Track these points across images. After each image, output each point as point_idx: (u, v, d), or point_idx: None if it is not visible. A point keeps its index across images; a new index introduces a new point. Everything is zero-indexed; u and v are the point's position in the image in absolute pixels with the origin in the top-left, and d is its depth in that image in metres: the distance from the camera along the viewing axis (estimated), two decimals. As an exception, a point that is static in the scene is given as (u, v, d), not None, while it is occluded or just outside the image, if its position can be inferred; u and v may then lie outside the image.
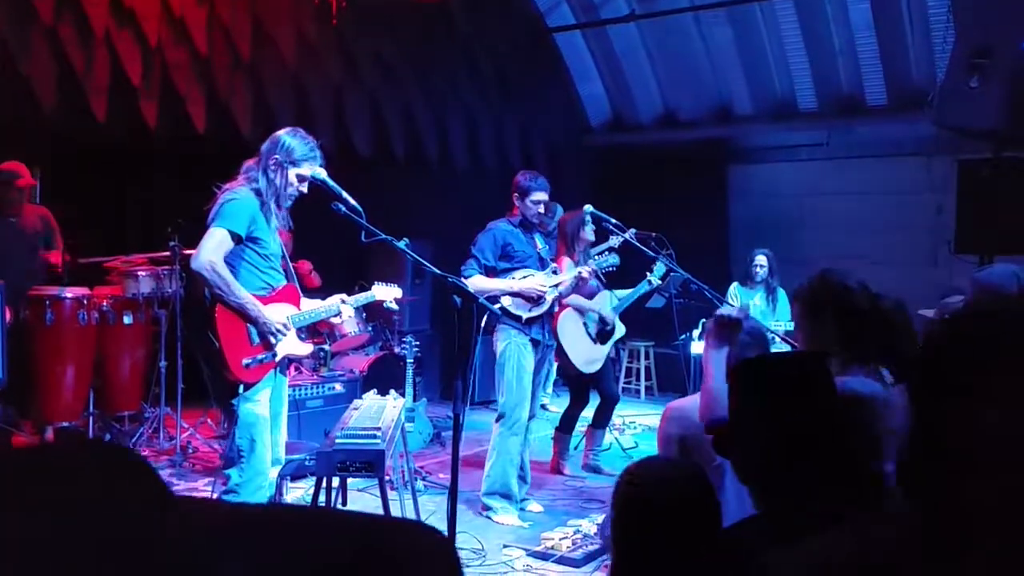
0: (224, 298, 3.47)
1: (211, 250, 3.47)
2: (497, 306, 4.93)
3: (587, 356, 5.88)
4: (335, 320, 4.08)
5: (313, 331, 3.95)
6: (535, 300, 4.96)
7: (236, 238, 3.53)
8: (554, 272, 5.14)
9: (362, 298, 4.19)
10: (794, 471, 1.67)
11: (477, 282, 4.86)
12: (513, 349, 4.97)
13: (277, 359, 3.66)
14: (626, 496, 1.89)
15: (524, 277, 4.98)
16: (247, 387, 3.55)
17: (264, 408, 3.62)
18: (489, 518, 4.90)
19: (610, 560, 1.90)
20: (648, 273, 5.80)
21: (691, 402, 2.88)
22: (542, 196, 5.08)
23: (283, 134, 3.69)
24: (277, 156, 3.62)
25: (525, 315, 4.95)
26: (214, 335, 3.49)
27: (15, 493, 0.63)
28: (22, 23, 6.06)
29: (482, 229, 5.15)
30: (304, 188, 3.69)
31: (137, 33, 6.59)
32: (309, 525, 0.78)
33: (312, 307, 3.90)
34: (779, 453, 1.68)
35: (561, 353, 5.86)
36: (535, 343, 5.01)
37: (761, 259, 6.92)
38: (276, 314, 3.63)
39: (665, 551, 1.81)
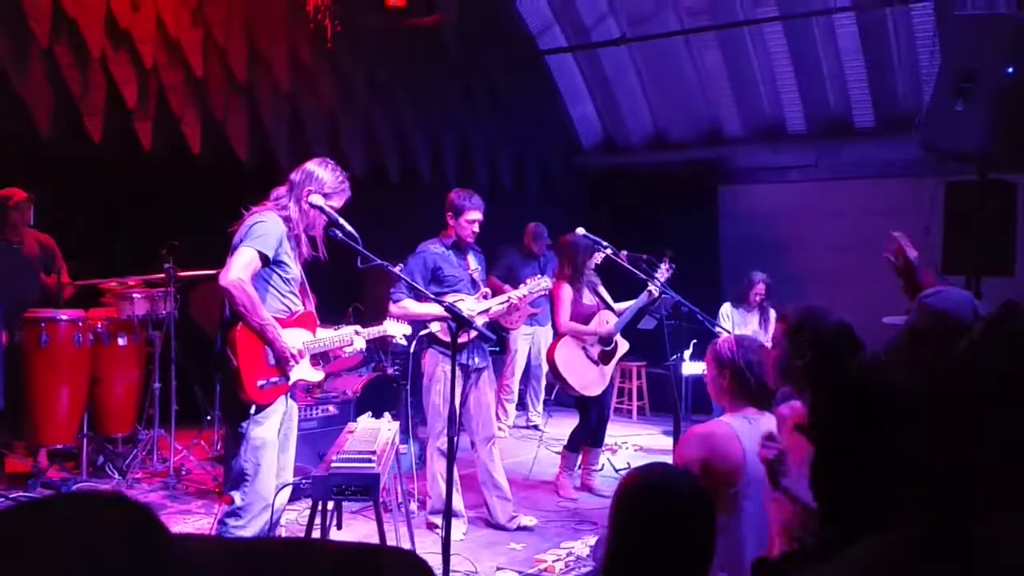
0: (247, 317, 3.51)
1: (240, 268, 3.51)
2: (426, 331, 4.98)
3: (587, 380, 5.89)
4: (348, 349, 4.11)
5: (325, 357, 3.98)
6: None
7: (264, 259, 3.58)
8: (484, 296, 5.12)
9: (375, 331, 4.29)
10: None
11: (407, 306, 4.90)
12: (440, 374, 4.98)
13: (290, 383, 3.70)
14: (623, 495, 1.92)
15: (455, 302, 4.93)
16: (259, 409, 3.58)
17: (273, 432, 3.64)
18: (438, 534, 4.89)
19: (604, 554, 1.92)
20: (649, 281, 5.73)
21: (714, 427, 2.91)
22: (476, 215, 5.02)
23: (313, 166, 3.75)
24: (311, 188, 3.68)
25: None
26: (233, 353, 3.52)
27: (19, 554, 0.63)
28: (19, 45, 6.10)
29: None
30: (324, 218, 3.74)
31: (133, 55, 6.64)
32: (292, 553, 0.82)
33: (326, 334, 3.95)
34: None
35: (560, 380, 5.89)
36: (463, 368, 4.98)
37: (761, 287, 6.92)
38: (292, 338, 3.68)
39: (655, 557, 1.83)
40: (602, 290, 6.08)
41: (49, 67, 6.27)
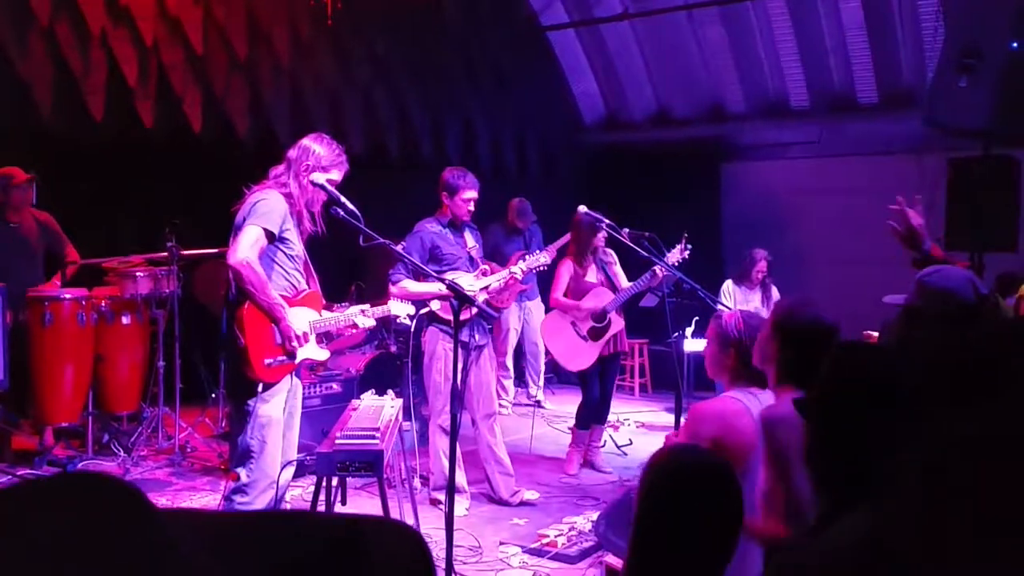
0: (255, 296, 3.52)
1: (248, 247, 3.52)
2: (426, 310, 5.00)
3: (571, 353, 5.93)
4: (354, 329, 4.13)
5: (329, 336, 4.00)
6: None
7: (270, 236, 3.59)
8: (484, 274, 5.14)
9: (380, 311, 4.29)
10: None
11: (406, 286, 4.93)
12: (441, 352, 5.01)
13: (296, 361, 3.71)
14: (654, 477, 1.91)
15: (452, 280, 4.93)
16: (266, 387, 3.60)
17: (278, 410, 3.66)
18: (441, 510, 4.93)
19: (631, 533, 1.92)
20: (651, 258, 5.69)
21: (725, 404, 2.90)
22: (472, 194, 5.03)
23: (311, 141, 3.75)
24: (308, 163, 3.69)
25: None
26: (241, 332, 3.53)
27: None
28: (20, 23, 6.08)
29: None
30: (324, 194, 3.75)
31: (133, 33, 6.62)
32: (282, 526, 0.83)
33: (332, 315, 3.96)
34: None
35: (547, 351, 5.94)
36: (464, 346, 4.99)
37: (763, 264, 6.94)
38: (299, 317, 3.69)
39: (682, 539, 1.84)
40: (617, 269, 6.06)
41: (50, 45, 6.26)
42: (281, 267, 3.70)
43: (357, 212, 3.65)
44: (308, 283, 3.86)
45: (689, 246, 5.74)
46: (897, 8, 8.11)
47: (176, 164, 6.82)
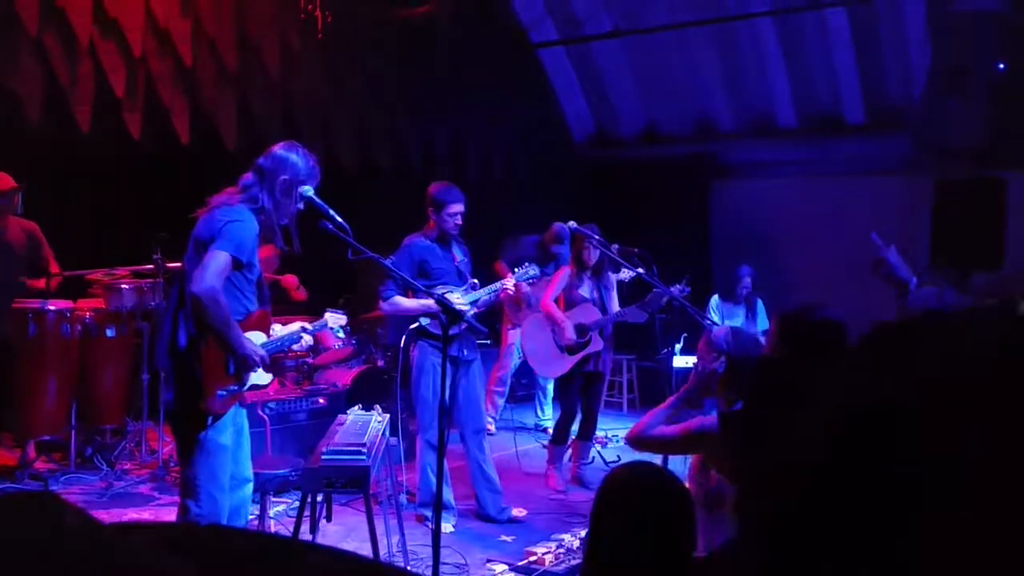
0: (215, 326, 3.30)
1: (215, 275, 3.27)
2: (415, 325, 4.98)
3: (546, 361, 6.00)
4: (294, 348, 4.02)
5: (275, 360, 3.87)
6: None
7: (237, 264, 3.37)
8: (473, 287, 5.14)
9: (319, 324, 4.16)
10: None
11: (398, 302, 4.93)
12: (430, 368, 4.99)
13: (245, 389, 3.54)
14: (607, 495, 1.94)
15: (442, 294, 4.91)
16: (216, 418, 3.40)
17: (228, 437, 3.47)
18: (428, 527, 4.89)
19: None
20: (637, 274, 5.75)
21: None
22: (458, 208, 5.03)
23: (285, 151, 3.55)
24: (285, 176, 3.50)
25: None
26: (199, 362, 3.35)
27: None
28: (7, 34, 6.05)
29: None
30: (301, 205, 3.59)
31: (121, 44, 6.58)
32: (264, 556, 0.79)
33: (279, 334, 3.77)
34: None
35: (524, 353, 5.98)
36: (452, 360, 4.96)
37: (747, 281, 7.03)
38: (253, 343, 3.50)
39: (638, 555, 1.85)
40: (614, 295, 6.08)
41: (38, 56, 6.22)
42: (239, 291, 3.47)
43: (346, 226, 3.59)
44: (259, 302, 3.62)
45: (688, 288, 5.84)
46: (885, 27, 8.18)
47: (163, 176, 6.77)
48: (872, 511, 0.80)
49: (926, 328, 0.96)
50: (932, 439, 0.76)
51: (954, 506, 0.74)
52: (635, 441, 3.00)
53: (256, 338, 3.55)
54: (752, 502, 1.64)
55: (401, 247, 5.09)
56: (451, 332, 4.41)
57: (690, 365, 6.00)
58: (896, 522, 0.77)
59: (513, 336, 7.62)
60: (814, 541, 0.91)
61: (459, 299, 4.92)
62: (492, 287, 5.19)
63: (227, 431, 3.46)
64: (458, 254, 5.17)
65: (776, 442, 1.21)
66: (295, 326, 3.91)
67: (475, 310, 5.05)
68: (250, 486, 3.69)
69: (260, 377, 3.58)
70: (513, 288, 5.25)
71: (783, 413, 1.25)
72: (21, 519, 0.65)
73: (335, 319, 4.28)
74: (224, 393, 3.41)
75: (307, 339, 3.96)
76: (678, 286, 5.81)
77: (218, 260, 3.30)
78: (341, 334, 4.63)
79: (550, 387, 7.86)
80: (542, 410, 7.90)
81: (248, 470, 3.69)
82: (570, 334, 5.87)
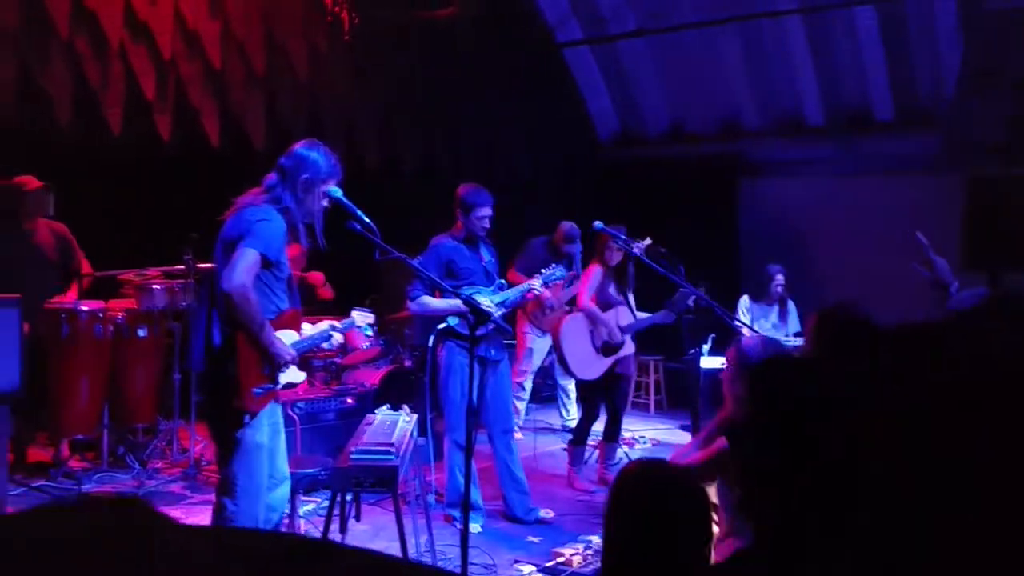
0: (246, 324, 3.36)
1: (244, 272, 3.32)
2: (443, 325, 4.97)
3: (585, 363, 5.94)
4: (324, 346, 4.04)
5: (305, 358, 3.90)
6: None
7: (266, 263, 3.42)
8: (500, 287, 5.14)
9: (347, 323, 4.20)
10: None
11: (427, 302, 4.93)
12: (458, 368, 4.99)
13: (279, 387, 3.58)
14: (619, 493, 1.93)
15: (471, 296, 4.90)
16: (252, 416, 3.45)
17: (264, 435, 3.51)
18: (456, 527, 4.91)
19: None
20: (666, 274, 5.78)
21: None
22: (487, 211, 5.03)
23: (306, 150, 3.59)
24: (307, 175, 3.53)
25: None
26: (233, 361, 3.39)
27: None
28: (40, 37, 6.14)
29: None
30: (326, 203, 3.63)
31: (152, 47, 6.66)
32: (300, 559, 0.80)
33: (310, 333, 3.81)
34: None
35: (559, 354, 5.92)
36: (480, 361, 4.94)
37: (780, 278, 6.89)
38: (284, 341, 3.54)
39: (654, 554, 1.83)
40: (631, 295, 6.10)
41: (69, 59, 6.30)
42: (270, 289, 3.51)
43: (373, 226, 3.61)
44: (289, 301, 3.67)
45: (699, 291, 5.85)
46: (914, 25, 8.09)
47: (193, 177, 6.84)
48: (876, 511, 0.80)
49: (952, 330, 0.95)
50: (943, 441, 0.76)
51: (962, 508, 0.73)
52: None
53: (288, 337, 3.60)
54: (757, 503, 1.63)
55: (429, 247, 5.10)
56: (479, 332, 4.43)
57: (718, 366, 5.98)
58: (898, 522, 0.76)
59: (530, 340, 7.59)
60: (816, 540, 0.91)
61: (488, 300, 4.92)
62: (520, 288, 5.20)
63: (263, 429, 3.50)
64: (485, 255, 5.18)
65: (783, 443, 1.20)
66: (324, 325, 3.95)
67: (503, 311, 5.06)
68: (287, 484, 3.73)
69: (294, 375, 3.64)
70: (541, 289, 5.26)
71: (794, 414, 1.24)
72: (111, 520, 0.66)
73: (363, 317, 4.32)
74: (259, 391, 3.45)
75: (337, 338, 4.00)
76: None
77: (247, 258, 3.35)
78: (369, 332, 4.65)
79: (571, 387, 7.85)
80: (566, 410, 7.88)
81: (285, 468, 3.73)
82: (616, 334, 5.92)
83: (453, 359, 5.04)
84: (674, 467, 2.10)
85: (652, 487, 1.93)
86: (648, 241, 5.61)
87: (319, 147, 3.64)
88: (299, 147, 3.62)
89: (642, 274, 5.91)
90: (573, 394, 7.85)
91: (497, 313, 4.86)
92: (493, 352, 5.10)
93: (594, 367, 5.95)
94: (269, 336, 3.42)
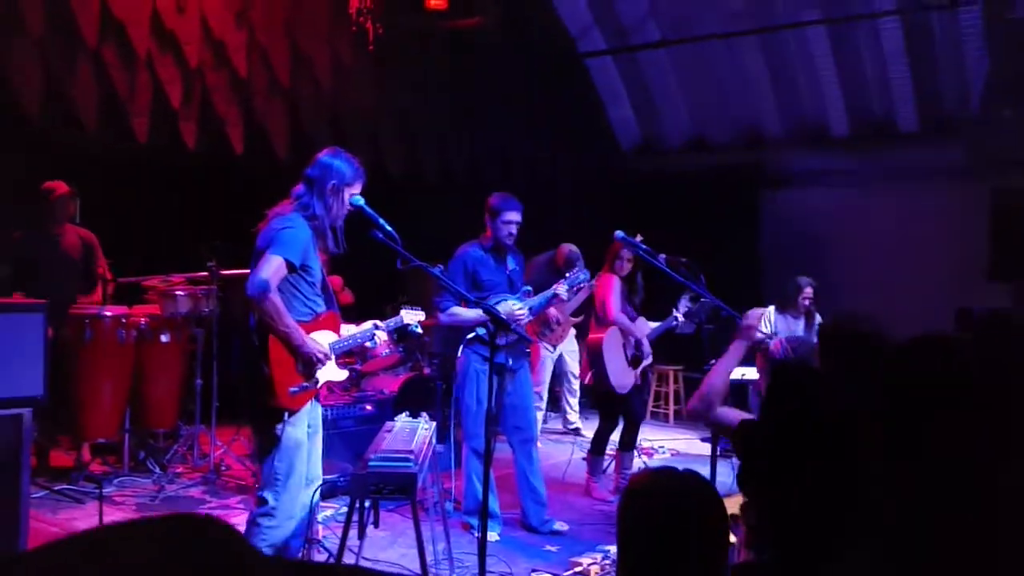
0: (273, 326, 3.48)
1: (266, 276, 3.46)
2: (471, 335, 4.99)
3: (622, 376, 5.99)
4: (368, 344, 4.14)
5: (351, 354, 4.00)
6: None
7: (291, 267, 3.54)
8: (526, 294, 5.15)
9: (392, 323, 4.31)
10: None
11: (457, 312, 4.95)
12: (473, 375, 5.00)
13: (319, 386, 3.70)
14: (632, 502, 1.91)
15: (498, 303, 4.89)
16: (291, 413, 3.58)
17: (304, 432, 3.65)
18: (474, 535, 4.90)
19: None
20: (674, 309, 6.04)
21: None
22: (514, 216, 5.04)
23: (329, 158, 3.70)
24: (333, 181, 3.65)
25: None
26: (266, 361, 3.51)
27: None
28: (68, 46, 6.23)
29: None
30: (350, 207, 3.72)
31: (178, 56, 6.74)
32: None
33: (349, 331, 3.95)
34: None
35: (600, 369, 5.89)
36: (499, 369, 4.95)
37: (810, 291, 6.75)
38: (319, 341, 3.68)
39: (652, 567, 1.81)
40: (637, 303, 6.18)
41: (97, 68, 6.39)
42: (302, 294, 3.66)
43: (396, 235, 3.65)
44: (327, 305, 3.82)
45: (690, 305, 6.05)
46: (939, 36, 8.03)
47: (218, 185, 6.91)
48: (876, 511, 0.80)
49: (955, 342, 0.96)
50: (944, 442, 0.76)
51: (962, 507, 0.73)
52: (697, 416, 3.05)
53: (325, 337, 3.74)
54: (761, 503, 1.62)
55: (454, 256, 5.12)
56: (501, 342, 4.51)
57: (738, 377, 5.95)
58: (899, 522, 0.76)
59: (543, 352, 7.60)
60: (818, 541, 0.91)
61: (518, 305, 4.96)
62: (545, 294, 5.22)
63: (302, 426, 3.64)
64: (511, 263, 5.20)
65: (787, 442, 1.20)
66: (368, 324, 4.07)
67: (531, 317, 5.08)
68: (316, 486, 3.78)
69: (335, 373, 3.80)
70: (566, 294, 5.28)
71: (799, 415, 1.24)
72: (197, 545, 0.67)
73: (411, 315, 4.41)
74: (296, 389, 3.58)
75: (381, 336, 4.10)
76: (686, 302, 6.00)
77: (269, 263, 3.49)
78: (419, 329, 4.68)
79: (576, 385, 7.95)
80: (571, 409, 8.00)
81: (317, 469, 3.81)
82: (645, 344, 6.03)
83: (469, 366, 5.05)
84: (686, 475, 2.08)
85: (662, 498, 1.91)
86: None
87: (341, 154, 3.76)
88: (322, 156, 3.74)
89: (660, 283, 5.91)
90: (577, 394, 7.98)
91: (526, 319, 4.96)
92: (511, 361, 5.10)
93: (628, 377, 6.03)
94: (299, 336, 3.55)
